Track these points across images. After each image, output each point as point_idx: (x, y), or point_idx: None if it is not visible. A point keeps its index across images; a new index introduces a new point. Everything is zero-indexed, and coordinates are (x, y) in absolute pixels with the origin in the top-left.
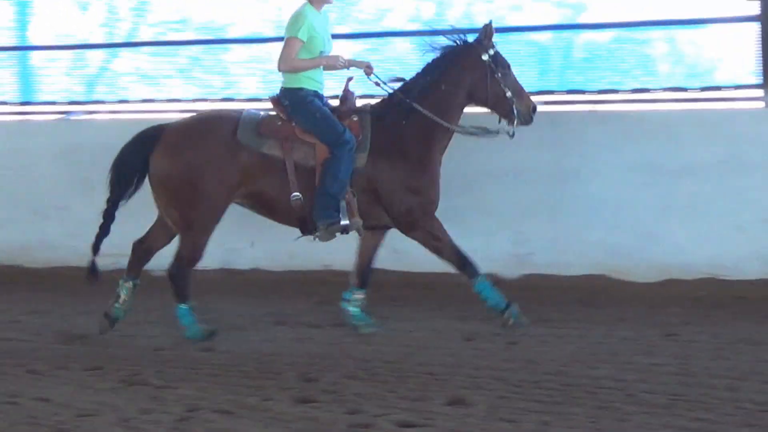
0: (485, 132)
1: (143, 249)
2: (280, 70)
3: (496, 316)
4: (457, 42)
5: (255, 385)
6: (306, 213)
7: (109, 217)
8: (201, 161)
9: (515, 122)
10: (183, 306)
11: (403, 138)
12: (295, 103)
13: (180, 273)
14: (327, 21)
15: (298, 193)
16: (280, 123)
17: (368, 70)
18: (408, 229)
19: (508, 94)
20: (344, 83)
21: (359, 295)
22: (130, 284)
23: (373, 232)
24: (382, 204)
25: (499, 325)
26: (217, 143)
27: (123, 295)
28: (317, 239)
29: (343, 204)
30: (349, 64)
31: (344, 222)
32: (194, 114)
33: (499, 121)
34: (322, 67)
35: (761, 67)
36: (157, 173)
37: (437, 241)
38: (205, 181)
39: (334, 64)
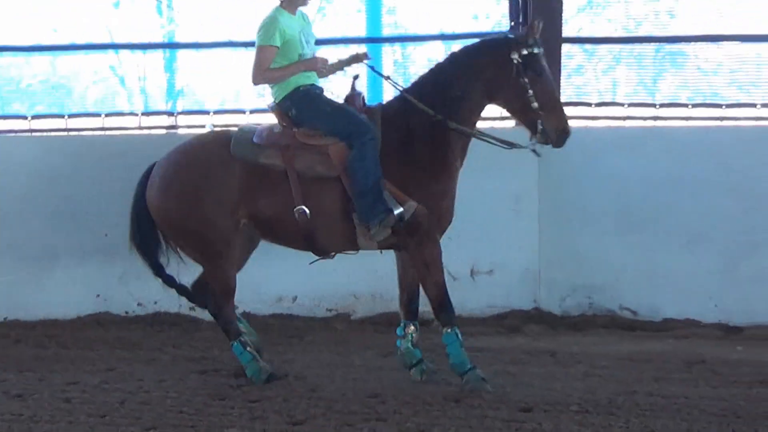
0: (507, 143)
1: (201, 287)
2: (255, 83)
3: (456, 375)
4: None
5: None
6: (313, 229)
7: (170, 280)
8: (193, 186)
9: (536, 139)
10: (235, 343)
11: (413, 141)
12: (300, 106)
13: (218, 309)
14: (306, 23)
15: (303, 207)
16: (278, 130)
17: (363, 56)
18: (408, 245)
19: (534, 104)
20: (350, 81)
21: (411, 328)
22: (243, 339)
23: (405, 258)
24: None
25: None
26: (207, 163)
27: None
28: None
29: (386, 193)
30: (337, 66)
31: (397, 210)
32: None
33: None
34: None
35: None
36: (155, 210)
37: (429, 270)
38: (202, 206)
39: (313, 66)
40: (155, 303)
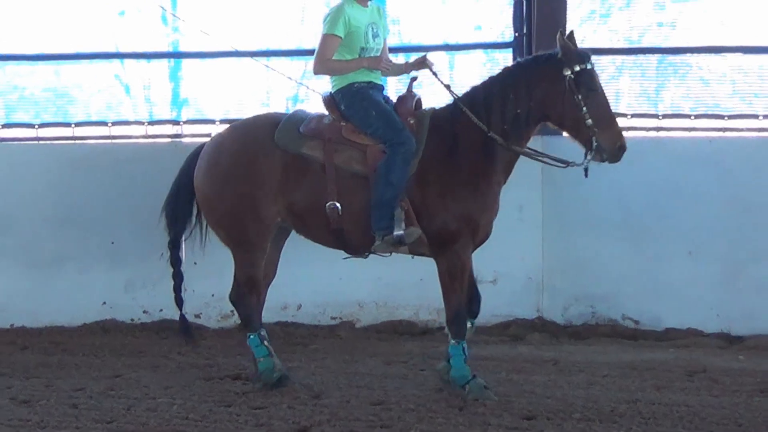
0: (557, 161)
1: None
2: (315, 73)
3: (453, 386)
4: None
5: None
6: (344, 226)
7: (175, 261)
8: (236, 169)
9: (591, 156)
10: (251, 335)
11: (458, 151)
12: (348, 102)
13: (239, 298)
14: (380, 17)
15: (335, 202)
16: (327, 122)
17: (428, 61)
18: (438, 254)
19: (588, 121)
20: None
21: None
22: (263, 333)
23: None
24: (421, 222)
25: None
26: (250, 147)
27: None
28: (375, 253)
29: (398, 212)
30: (408, 68)
31: (398, 232)
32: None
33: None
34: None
35: None
36: (197, 189)
37: (453, 282)
38: (243, 193)
39: (377, 66)
40: (161, 311)
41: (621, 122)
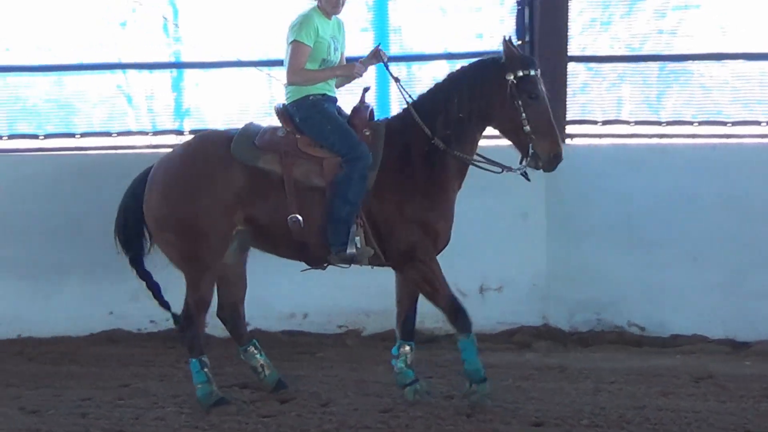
0: (499, 166)
1: (229, 312)
2: (290, 83)
3: (466, 382)
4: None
5: None
6: (307, 239)
7: (144, 275)
8: (189, 184)
9: (527, 162)
10: (194, 360)
11: (411, 161)
12: (304, 115)
13: (187, 320)
14: (340, 31)
15: (296, 215)
16: (281, 135)
17: (381, 53)
18: (403, 267)
19: (526, 128)
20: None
21: (406, 348)
22: (252, 349)
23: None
24: (381, 234)
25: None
26: (207, 162)
27: (259, 362)
28: (332, 264)
29: (353, 229)
30: (364, 65)
31: (350, 251)
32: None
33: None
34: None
35: None
36: (148, 209)
37: (432, 285)
38: (199, 206)
39: (350, 73)
40: (168, 320)
41: (623, 129)
